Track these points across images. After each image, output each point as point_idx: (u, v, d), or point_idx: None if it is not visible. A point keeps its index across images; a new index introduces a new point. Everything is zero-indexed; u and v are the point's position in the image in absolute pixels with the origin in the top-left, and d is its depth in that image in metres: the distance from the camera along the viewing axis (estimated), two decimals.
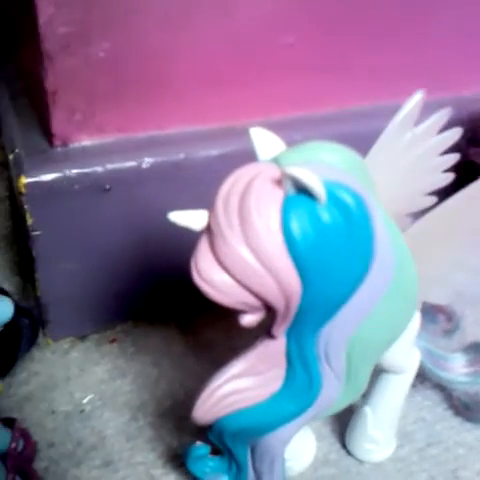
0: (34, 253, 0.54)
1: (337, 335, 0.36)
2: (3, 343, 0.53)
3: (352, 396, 0.40)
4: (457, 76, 0.66)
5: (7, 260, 0.67)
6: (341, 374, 0.38)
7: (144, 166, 0.53)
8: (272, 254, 0.32)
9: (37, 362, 0.58)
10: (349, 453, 0.50)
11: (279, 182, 0.32)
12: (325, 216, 0.32)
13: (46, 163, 0.52)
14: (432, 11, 0.61)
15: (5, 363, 0.54)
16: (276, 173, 0.32)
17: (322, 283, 0.33)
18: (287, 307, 0.33)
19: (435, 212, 0.40)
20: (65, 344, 0.59)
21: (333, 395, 0.39)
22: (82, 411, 0.53)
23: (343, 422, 0.50)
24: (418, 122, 0.42)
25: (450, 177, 0.44)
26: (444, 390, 0.54)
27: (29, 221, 0.52)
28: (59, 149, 0.53)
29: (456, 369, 0.49)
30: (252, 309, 0.34)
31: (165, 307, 0.62)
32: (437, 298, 0.43)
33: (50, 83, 0.50)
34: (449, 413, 0.53)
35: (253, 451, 0.41)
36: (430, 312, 0.48)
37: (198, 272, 0.33)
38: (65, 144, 0.53)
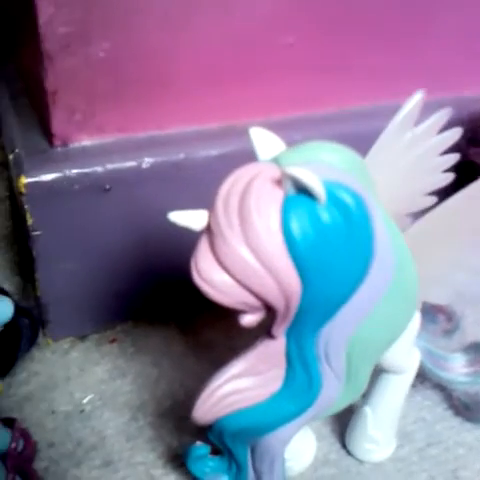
0: (34, 253, 0.54)
1: (337, 335, 0.36)
2: (3, 343, 0.53)
3: (352, 396, 0.40)
4: (457, 76, 0.66)
5: (7, 260, 0.67)
6: (341, 374, 0.38)
7: (144, 166, 0.53)
8: (272, 254, 0.32)
9: (37, 362, 0.58)
10: (349, 453, 0.50)
11: (279, 182, 0.32)
12: (325, 216, 0.32)
13: (46, 163, 0.52)
14: (432, 11, 0.61)
15: (5, 363, 0.54)
16: (276, 173, 0.32)
17: (322, 283, 0.33)
18: (287, 307, 0.33)
19: (435, 212, 0.40)
20: (65, 344, 0.59)
21: (333, 395, 0.39)
22: (82, 411, 0.53)
23: (343, 422, 0.50)
24: (418, 122, 0.42)
25: (450, 177, 0.44)
26: (444, 390, 0.54)
27: (29, 221, 0.52)
28: (59, 149, 0.53)
29: (456, 369, 0.49)
30: (252, 309, 0.34)
31: (165, 307, 0.62)
32: (437, 298, 0.43)
33: (50, 83, 0.50)
34: (449, 413, 0.53)
35: (253, 451, 0.41)
36: (430, 312, 0.48)
37: (198, 272, 0.33)
38: (65, 144, 0.53)
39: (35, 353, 0.58)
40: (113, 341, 0.60)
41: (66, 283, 0.56)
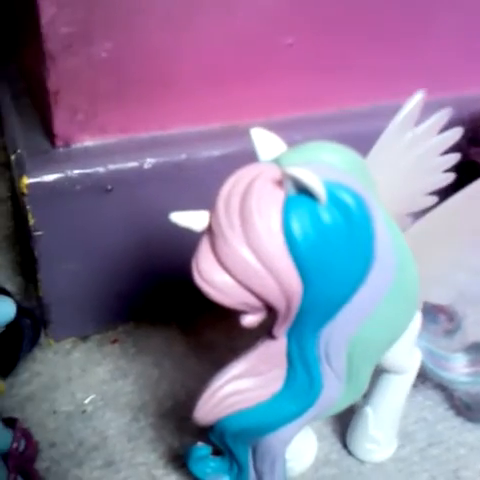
0: (36, 253, 0.54)
1: (338, 335, 0.36)
2: (5, 343, 0.53)
3: (353, 396, 0.40)
4: (457, 76, 0.66)
5: (9, 260, 0.67)
6: (342, 374, 0.38)
7: (146, 166, 0.53)
8: (273, 255, 0.32)
9: (39, 362, 0.58)
10: (350, 453, 0.50)
11: (280, 183, 0.32)
12: (326, 216, 0.32)
13: (48, 163, 0.52)
14: (432, 11, 0.61)
15: (7, 363, 0.54)
16: (277, 173, 0.32)
17: (323, 283, 0.33)
18: (288, 307, 0.33)
19: (436, 212, 0.40)
20: (67, 344, 0.60)
21: (334, 395, 0.39)
22: (84, 411, 0.53)
23: (344, 422, 0.50)
24: (419, 122, 0.42)
25: (451, 177, 0.44)
26: (445, 390, 0.54)
27: (31, 221, 0.52)
28: (61, 149, 0.53)
29: (457, 369, 0.49)
30: (253, 310, 0.34)
31: (166, 308, 0.62)
32: (438, 298, 0.43)
33: (52, 83, 0.50)
34: (450, 413, 0.53)
35: (254, 451, 0.41)
36: (431, 312, 0.48)
37: (199, 273, 0.33)
38: (67, 144, 0.53)
39: (37, 353, 0.58)
40: (115, 342, 0.60)
41: (68, 283, 0.56)
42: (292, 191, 0.32)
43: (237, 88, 0.56)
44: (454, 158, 0.44)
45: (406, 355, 0.45)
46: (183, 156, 0.55)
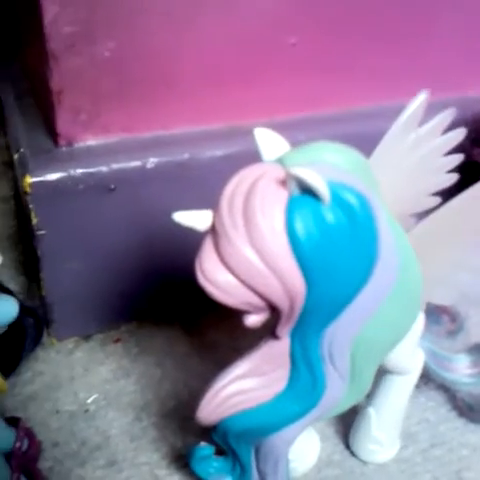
0: (39, 253, 0.54)
1: (341, 335, 0.36)
2: (8, 343, 0.53)
3: (356, 397, 0.40)
4: (461, 76, 0.65)
5: (12, 260, 0.67)
6: (345, 374, 0.38)
7: (149, 166, 0.53)
8: (276, 254, 0.32)
9: (42, 362, 0.58)
10: (353, 454, 0.50)
11: (283, 183, 0.32)
12: (329, 217, 0.31)
13: (51, 163, 0.52)
14: (435, 12, 0.60)
15: (10, 362, 0.54)
16: (280, 174, 0.32)
17: (326, 283, 0.33)
18: (291, 307, 0.33)
19: (439, 213, 0.40)
20: (69, 344, 0.60)
21: (337, 395, 0.38)
22: (86, 411, 0.53)
23: (347, 423, 0.50)
24: (422, 123, 0.42)
25: (454, 178, 0.44)
26: (448, 391, 0.54)
27: (34, 221, 0.52)
28: (64, 149, 0.53)
29: (460, 370, 0.49)
30: (256, 310, 0.34)
31: (169, 307, 0.62)
32: (441, 299, 0.43)
33: (55, 83, 0.50)
34: (453, 414, 0.53)
35: (257, 452, 0.41)
36: (434, 313, 0.48)
37: (202, 272, 0.33)
38: (70, 144, 0.53)
39: (40, 353, 0.58)
40: (117, 341, 0.60)
41: (71, 283, 0.56)
42: (296, 191, 0.32)
43: (240, 88, 0.56)
44: (457, 159, 0.44)
45: (409, 356, 0.45)
46: (186, 156, 0.55)
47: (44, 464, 0.49)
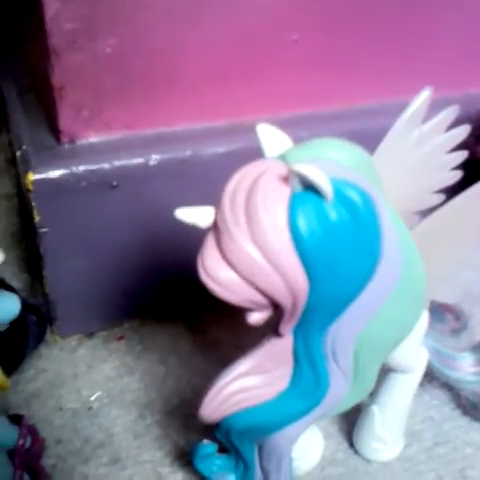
0: (42, 250, 0.54)
1: (345, 333, 0.36)
2: (11, 340, 0.53)
3: (359, 395, 0.40)
4: (464, 74, 0.65)
5: (15, 257, 0.67)
6: (348, 372, 0.38)
7: (151, 163, 0.53)
8: (279, 251, 0.32)
9: (45, 359, 0.58)
10: (356, 452, 0.50)
11: (286, 179, 0.32)
12: (332, 214, 0.31)
13: (53, 160, 0.52)
14: (438, 10, 0.60)
15: (13, 360, 0.54)
16: (283, 170, 0.32)
17: (329, 281, 0.33)
18: (294, 305, 0.33)
19: (443, 210, 0.40)
20: (73, 341, 0.60)
21: (340, 394, 0.38)
22: (90, 408, 0.53)
23: (350, 421, 0.50)
24: (425, 120, 0.42)
25: (458, 175, 0.44)
26: (452, 389, 0.54)
27: (37, 218, 0.52)
28: (66, 146, 0.53)
29: (464, 368, 0.49)
30: (259, 307, 0.34)
31: (172, 305, 0.62)
32: (445, 297, 0.42)
33: (57, 79, 0.50)
34: (457, 412, 0.53)
35: (260, 450, 0.41)
36: (438, 311, 0.48)
37: (205, 269, 0.33)
38: (72, 141, 0.53)
39: (43, 350, 0.58)
40: (120, 338, 0.60)
41: (74, 280, 0.56)
42: (298, 188, 0.31)
43: (242, 85, 0.56)
44: (461, 156, 0.44)
45: (413, 354, 0.44)
46: (188, 152, 0.55)
47: (47, 461, 0.49)
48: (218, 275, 0.33)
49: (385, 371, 0.45)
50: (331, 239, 0.32)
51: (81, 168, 0.52)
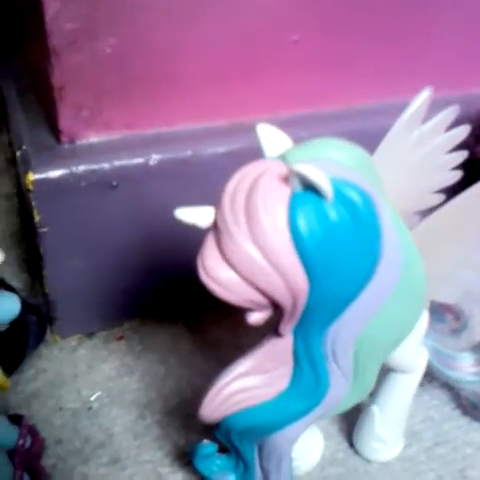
0: (42, 250, 0.54)
1: (345, 333, 0.36)
2: (11, 340, 0.53)
3: (359, 395, 0.40)
4: (464, 74, 0.65)
5: (15, 257, 0.67)
6: (348, 372, 0.38)
7: (151, 163, 0.53)
8: (279, 251, 0.32)
9: (45, 359, 0.58)
10: (356, 452, 0.50)
11: (286, 179, 0.32)
12: (332, 214, 0.31)
13: (53, 160, 0.52)
14: (438, 10, 0.60)
15: (13, 360, 0.54)
16: (283, 170, 0.32)
17: (329, 281, 0.33)
18: (294, 305, 0.33)
19: (443, 210, 0.40)
20: (73, 341, 0.60)
21: (340, 394, 0.38)
22: (90, 408, 0.53)
23: (351, 421, 0.50)
24: (425, 120, 0.42)
25: (458, 175, 0.44)
26: (452, 389, 0.54)
27: (36, 218, 0.52)
28: (66, 146, 0.53)
29: (464, 368, 0.49)
30: (259, 307, 0.34)
31: (172, 305, 0.62)
32: (445, 297, 0.42)
33: (57, 79, 0.50)
34: (457, 412, 0.53)
35: (260, 450, 0.41)
36: (438, 311, 0.48)
37: (204, 269, 0.33)
38: (72, 141, 0.53)
39: (43, 350, 0.58)
40: (120, 338, 0.60)
41: (74, 280, 0.56)
42: (298, 188, 0.31)
43: (242, 85, 0.56)
44: (461, 156, 0.43)
45: (413, 354, 0.44)
46: (188, 153, 0.55)
47: (47, 461, 0.49)
48: (218, 275, 0.33)
49: (385, 371, 0.45)
50: (331, 239, 0.32)
51: (81, 168, 0.52)
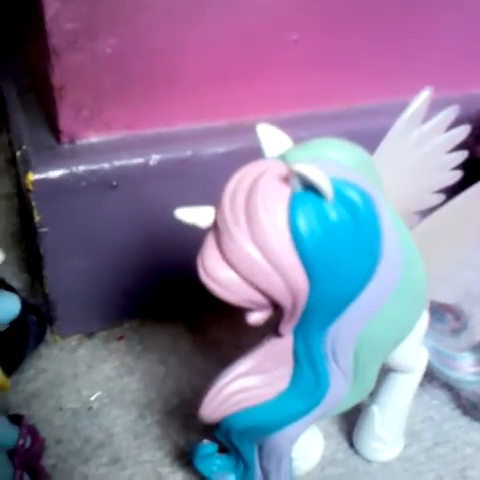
0: (42, 250, 0.54)
1: (345, 333, 0.36)
2: (11, 340, 0.53)
3: (359, 395, 0.40)
4: (464, 74, 0.65)
5: (15, 257, 0.67)
6: (348, 372, 0.38)
7: (151, 163, 0.53)
8: (279, 251, 0.32)
9: (45, 359, 0.58)
10: (356, 452, 0.50)
11: (286, 179, 0.32)
12: (332, 214, 0.31)
13: (53, 160, 0.52)
14: (438, 10, 0.60)
15: (13, 360, 0.54)
16: (283, 170, 0.32)
17: (329, 281, 0.33)
18: (294, 305, 0.33)
19: (443, 210, 0.40)
20: (73, 341, 0.60)
21: (340, 394, 0.38)
22: (90, 408, 0.53)
23: (351, 421, 0.50)
24: (425, 120, 0.42)
25: (458, 175, 0.44)
26: (452, 389, 0.54)
27: (36, 218, 0.52)
28: (66, 146, 0.53)
29: (464, 368, 0.49)
30: (259, 307, 0.34)
31: (172, 305, 0.62)
32: (445, 297, 0.42)
33: (57, 79, 0.50)
34: (457, 412, 0.53)
35: (260, 450, 0.41)
36: (438, 311, 0.48)
37: (204, 269, 0.33)
38: (72, 141, 0.53)
39: (43, 350, 0.58)
40: (120, 338, 0.60)
41: (74, 280, 0.56)
42: (298, 188, 0.31)
43: (242, 85, 0.56)
44: (461, 156, 0.43)
45: (413, 354, 0.44)
46: (188, 153, 0.54)
47: (47, 461, 0.49)
48: (218, 275, 0.33)
49: (385, 371, 0.45)
50: (331, 239, 0.32)
51: (81, 168, 0.52)
